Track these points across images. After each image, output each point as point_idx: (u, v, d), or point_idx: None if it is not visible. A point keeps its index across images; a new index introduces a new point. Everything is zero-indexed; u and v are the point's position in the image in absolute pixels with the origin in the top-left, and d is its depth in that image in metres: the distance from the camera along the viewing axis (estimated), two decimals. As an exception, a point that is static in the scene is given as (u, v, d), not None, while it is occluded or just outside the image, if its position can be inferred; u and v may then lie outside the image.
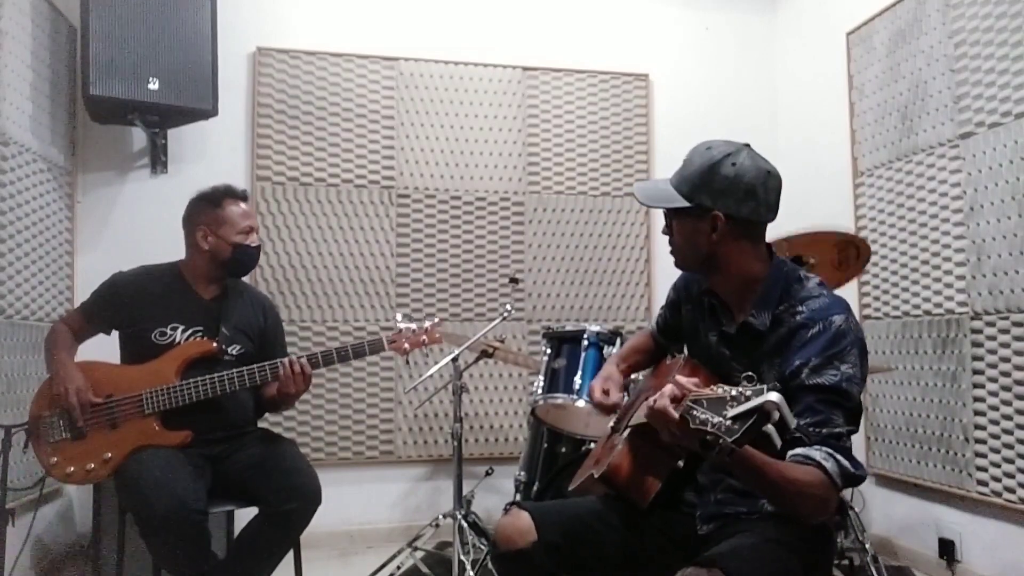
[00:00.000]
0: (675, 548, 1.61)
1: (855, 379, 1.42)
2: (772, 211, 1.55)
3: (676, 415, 1.21)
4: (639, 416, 1.54)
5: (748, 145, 1.56)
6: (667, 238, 1.65)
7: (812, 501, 1.35)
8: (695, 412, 1.17)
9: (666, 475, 1.54)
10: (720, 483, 1.60)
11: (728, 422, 1.12)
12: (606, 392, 1.83)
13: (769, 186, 1.52)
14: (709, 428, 1.14)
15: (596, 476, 1.58)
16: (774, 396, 1.10)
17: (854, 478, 1.38)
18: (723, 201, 1.51)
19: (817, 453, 1.35)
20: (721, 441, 1.13)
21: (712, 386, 1.20)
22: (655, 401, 1.26)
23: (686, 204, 1.53)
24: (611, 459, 1.56)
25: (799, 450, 1.37)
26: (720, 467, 1.51)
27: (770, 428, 1.11)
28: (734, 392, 1.14)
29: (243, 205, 2.44)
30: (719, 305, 1.63)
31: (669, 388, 1.26)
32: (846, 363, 1.42)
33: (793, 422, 1.14)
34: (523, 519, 1.61)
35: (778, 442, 1.14)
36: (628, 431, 1.60)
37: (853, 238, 2.73)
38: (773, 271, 1.57)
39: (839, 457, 1.36)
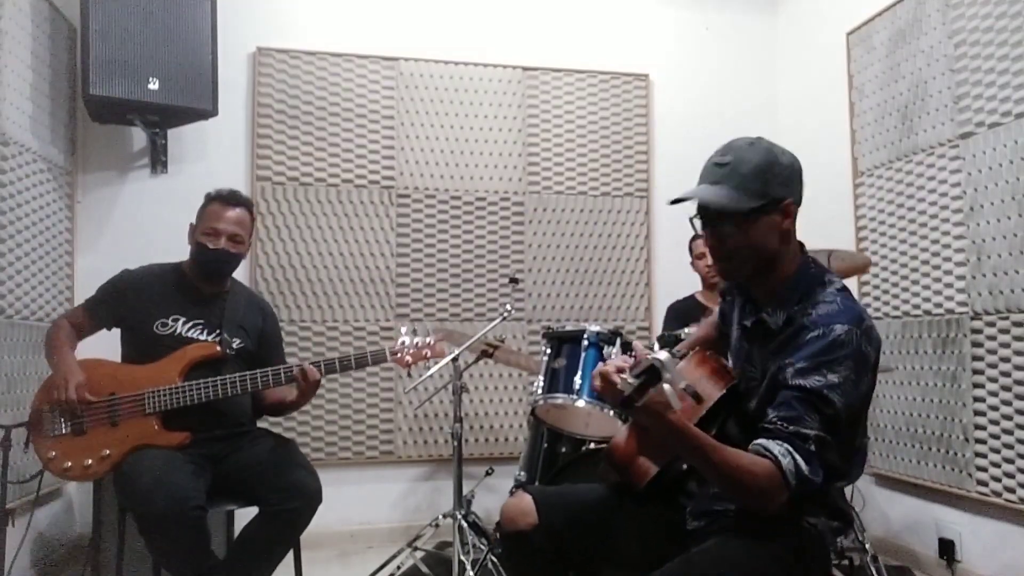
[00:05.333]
0: (669, 541, 1.61)
1: (839, 388, 1.38)
2: None
3: (610, 381, 1.38)
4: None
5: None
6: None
7: (754, 492, 1.34)
8: (622, 376, 1.36)
9: (664, 462, 1.54)
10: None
11: (632, 380, 1.34)
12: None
13: None
14: (619, 385, 1.34)
15: (597, 448, 1.64)
16: (662, 355, 1.32)
17: (807, 482, 1.34)
18: (789, 188, 1.52)
19: (776, 447, 1.35)
20: (626, 394, 1.33)
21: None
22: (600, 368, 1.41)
23: (762, 202, 1.49)
24: (615, 437, 1.59)
25: (761, 440, 1.37)
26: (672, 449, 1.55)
27: (666, 388, 1.31)
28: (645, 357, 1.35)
29: (221, 207, 2.39)
30: (750, 300, 1.64)
31: (618, 360, 1.43)
32: (834, 372, 1.38)
33: (681, 383, 1.35)
34: (526, 501, 1.65)
35: (676, 404, 1.33)
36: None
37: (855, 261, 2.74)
38: (800, 272, 1.56)
39: (798, 457, 1.34)
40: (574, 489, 1.76)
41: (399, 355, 2.42)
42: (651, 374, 1.32)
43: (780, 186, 1.50)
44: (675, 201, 1.55)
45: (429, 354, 2.45)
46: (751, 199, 1.48)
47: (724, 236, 1.53)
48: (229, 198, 2.43)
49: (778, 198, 1.50)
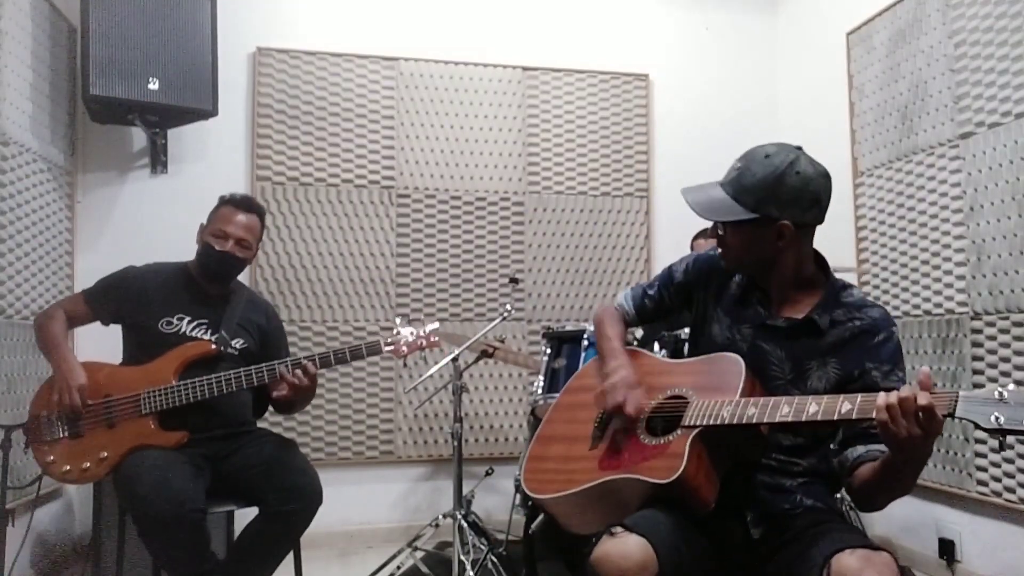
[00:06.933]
0: (725, 556, 1.55)
1: (905, 380, 1.51)
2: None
3: (942, 413, 1.26)
4: (701, 415, 1.49)
5: (801, 148, 1.56)
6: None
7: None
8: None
9: (723, 474, 1.51)
10: (750, 480, 1.58)
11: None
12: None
13: (830, 190, 1.57)
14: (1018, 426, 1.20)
15: (664, 483, 1.44)
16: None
17: None
18: (790, 211, 1.52)
19: None
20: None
21: (948, 390, 1.29)
22: (916, 398, 1.26)
23: (752, 216, 1.52)
24: (685, 464, 1.45)
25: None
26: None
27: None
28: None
29: (232, 210, 2.41)
30: (763, 299, 1.64)
31: (910, 390, 1.28)
32: (902, 369, 1.53)
33: None
34: (641, 550, 1.37)
35: None
36: (696, 432, 1.50)
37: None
38: (830, 276, 1.63)
39: None
40: (660, 514, 1.48)
41: (394, 346, 2.40)
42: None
43: (778, 206, 1.51)
44: (685, 192, 1.64)
45: (424, 344, 2.43)
46: (741, 211, 1.53)
47: (722, 233, 1.63)
48: (241, 203, 2.44)
49: (771, 217, 1.52)
